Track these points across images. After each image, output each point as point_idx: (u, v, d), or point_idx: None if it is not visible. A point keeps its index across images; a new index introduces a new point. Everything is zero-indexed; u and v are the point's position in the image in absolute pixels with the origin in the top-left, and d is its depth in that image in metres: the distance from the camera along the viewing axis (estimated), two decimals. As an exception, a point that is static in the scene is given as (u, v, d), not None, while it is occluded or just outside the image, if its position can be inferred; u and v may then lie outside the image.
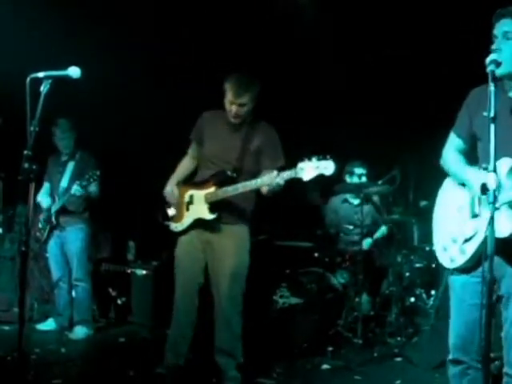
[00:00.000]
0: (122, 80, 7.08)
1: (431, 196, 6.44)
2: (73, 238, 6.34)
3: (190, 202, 4.65)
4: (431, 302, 6.25)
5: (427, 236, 6.79)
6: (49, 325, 6.50)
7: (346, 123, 7.67)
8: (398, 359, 5.56)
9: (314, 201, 7.18)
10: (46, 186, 6.50)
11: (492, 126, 2.70)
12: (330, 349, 5.73)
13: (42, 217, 6.37)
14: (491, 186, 2.66)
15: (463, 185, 3.24)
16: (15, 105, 3.60)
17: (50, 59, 3.85)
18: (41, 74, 3.38)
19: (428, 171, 6.64)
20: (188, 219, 4.64)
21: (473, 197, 3.12)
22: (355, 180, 6.72)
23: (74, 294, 6.41)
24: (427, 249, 6.59)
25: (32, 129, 3.36)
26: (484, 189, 2.73)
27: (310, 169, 4.02)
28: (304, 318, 5.95)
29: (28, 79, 3.33)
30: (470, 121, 3.27)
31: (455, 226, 3.19)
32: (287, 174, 4.15)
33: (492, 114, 2.71)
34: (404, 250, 6.52)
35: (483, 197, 2.94)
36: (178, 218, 4.72)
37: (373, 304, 6.46)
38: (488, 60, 2.90)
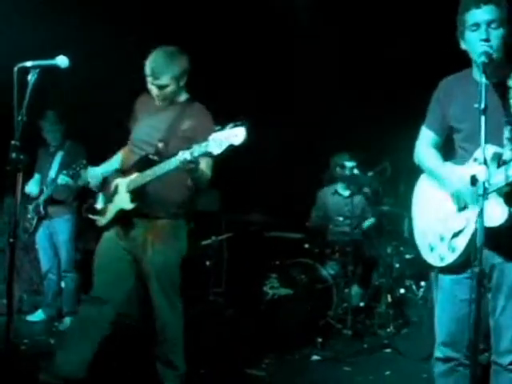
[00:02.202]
0: (112, 72, 7.04)
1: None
2: (61, 228, 6.34)
3: (115, 192, 4.12)
4: (421, 294, 6.25)
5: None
6: (38, 316, 6.50)
7: (337, 113, 7.67)
8: (388, 350, 5.59)
9: (314, 222, 7.11)
10: (36, 177, 6.48)
11: (483, 118, 2.68)
12: (320, 340, 5.74)
13: (30, 207, 6.34)
14: (481, 177, 2.64)
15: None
16: (2, 95, 3.56)
17: (39, 49, 3.80)
18: (28, 64, 3.33)
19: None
20: (111, 211, 4.12)
21: (454, 191, 3.07)
22: (347, 173, 6.72)
23: (62, 284, 6.42)
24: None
25: (19, 119, 3.33)
26: (474, 180, 2.70)
27: (220, 140, 3.46)
28: (294, 309, 5.96)
29: (15, 69, 3.29)
30: (444, 113, 3.23)
31: (440, 224, 3.14)
32: (196, 149, 3.57)
33: (483, 106, 2.69)
34: (394, 241, 6.51)
35: (467, 189, 2.92)
36: (102, 210, 4.20)
37: (363, 295, 6.47)
38: (479, 51, 2.88)
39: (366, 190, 6.89)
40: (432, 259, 3.18)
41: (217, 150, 3.48)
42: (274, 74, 7.75)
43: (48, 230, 6.36)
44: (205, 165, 3.89)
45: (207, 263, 7.24)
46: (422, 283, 6.32)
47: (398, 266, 6.43)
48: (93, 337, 4.05)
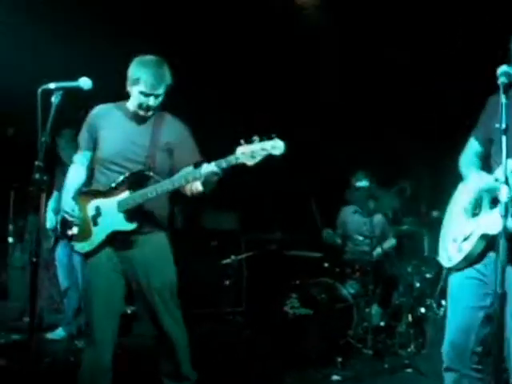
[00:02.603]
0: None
1: (444, 207, 6.47)
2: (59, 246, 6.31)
3: (98, 215, 3.89)
4: (442, 313, 6.22)
5: (438, 247, 6.79)
6: (58, 334, 6.49)
7: (359, 136, 7.70)
8: (409, 370, 5.53)
9: (329, 239, 7.09)
10: (55, 195, 6.45)
11: (504, 138, 2.69)
12: (340, 360, 5.70)
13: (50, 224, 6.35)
14: (503, 197, 2.65)
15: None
16: (27, 116, 3.61)
17: (63, 71, 3.86)
18: (52, 85, 3.39)
19: (442, 182, 6.69)
20: (99, 235, 3.87)
21: (474, 197, 3.15)
22: (360, 194, 6.70)
23: (82, 303, 6.42)
24: (438, 259, 6.55)
25: (43, 140, 3.38)
26: (495, 201, 2.72)
27: (254, 152, 3.50)
28: (314, 328, 5.93)
29: (39, 90, 3.34)
30: (489, 125, 3.23)
31: (457, 226, 3.24)
32: (226, 161, 3.57)
33: (504, 126, 2.70)
34: (414, 260, 6.49)
35: (484, 197, 3.01)
36: (82, 236, 3.93)
37: (383, 315, 6.43)
38: (500, 71, 2.89)
39: (385, 210, 6.85)
40: (443, 259, 3.30)
41: (251, 161, 3.52)
42: (293, 93, 7.79)
43: (67, 248, 6.30)
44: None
45: (227, 282, 7.27)
46: (443, 302, 6.28)
47: (418, 285, 6.40)
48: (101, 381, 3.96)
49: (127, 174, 3.85)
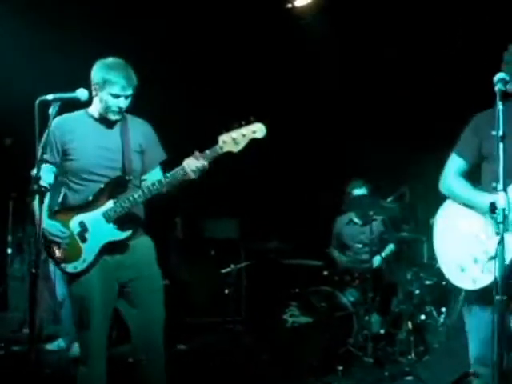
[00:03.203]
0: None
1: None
2: None
3: (84, 231, 3.71)
4: (442, 320, 6.22)
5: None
6: (57, 345, 6.44)
7: (355, 140, 7.70)
8: (409, 378, 5.51)
9: (332, 253, 7.11)
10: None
11: (501, 145, 2.70)
12: (341, 368, 5.69)
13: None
14: (500, 205, 2.66)
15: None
16: (25, 126, 3.61)
17: (61, 82, 3.87)
18: (49, 97, 3.40)
19: (439, 189, 6.70)
20: (91, 251, 3.70)
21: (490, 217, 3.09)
22: (356, 202, 6.70)
23: (63, 309, 6.30)
24: (437, 266, 6.53)
25: (41, 151, 3.38)
26: (493, 208, 2.72)
27: (235, 139, 3.52)
28: (314, 336, 5.92)
29: (37, 101, 3.35)
30: (480, 143, 3.27)
31: (473, 246, 3.17)
32: (210, 153, 3.57)
33: (501, 133, 2.71)
34: (413, 267, 6.49)
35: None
36: (72, 255, 3.72)
37: (383, 322, 6.42)
38: (496, 78, 2.91)
39: (383, 217, 6.85)
40: (462, 281, 3.21)
41: (236, 148, 3.54)
42: (288, 101, 7.80)
43: None
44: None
45: (226, 291, 7.26)
46: (443, 309, 6.28)
47: (418, 292, 6.39)
48: None
49: (104, 183, 3.73)
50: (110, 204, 3.69)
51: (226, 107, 7.16)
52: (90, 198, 3.73)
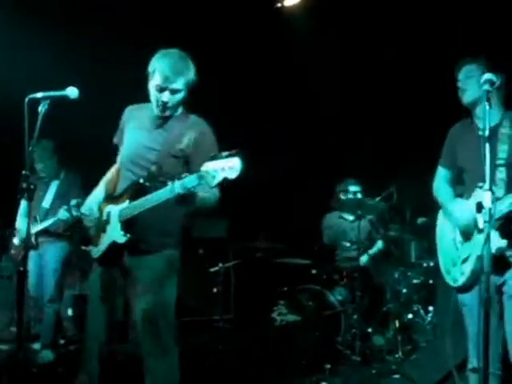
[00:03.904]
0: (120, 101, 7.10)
1: (429, 213, 6.50)
2: (51, 256, 6.09)
3: (107, 221, 3.66)
4: (429, 319, 6.26)
5: (424, 252, 6.84)
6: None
7: (344, 140, 7.72)
8: (397, 376, 5.54)
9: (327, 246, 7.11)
10: (24, 204, 5.82)
11: (487, 145, 2.74)
12: (328, 366, 5.70)
13: (18, 236, 6.09)
14: (487, 204, 2.70)
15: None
16: (14, 125, 3.60)
17: (49, 80, 3.86)
18: (39, 95, 3.39)
19: (426, 189, 6.72)
20: (103, 243, 3.67)
21: (460, 226, 3.49)
22: (351, 198, 6.74)
23: (44, 316, 6.11)
24: (424, 265, 6.61)
25: (30, 149, 3.38)
26: (479, 207, 2.80)
27: (214, 170, 3.10)
28: (302, 335, 5.94)
29: (26, 100, 3.35)
30: (456, 154, 3.65)
31: (452, 251, 3.55)
32: (188, 181, 3.20)
33: (487, 133, 2.76)
34: (401, 266, 6.52)
35: (469, 223, 3.36)
36: (96, 240, 3.73)
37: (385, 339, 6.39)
38: (483, 79, 2.94)
39: (371, 216, 6.89)
40: (449, 281, 3.59)
41: (212, 182, 3.12)
42: (278, 100, 7.80)
43: (38, 257, 6.06)
44: (204, 189, 3.35)
45: (215, 290, 7.26)
46: (430, 308, 6.32)
47: (405, 291, 6.43)
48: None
49: (128, 182, 3.64)
50: (125, 204, 3.56)
51: (214, 108, 7.17)
52: (120, 192, 3.68)
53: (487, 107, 2.81)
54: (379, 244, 6.91)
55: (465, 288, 3.45)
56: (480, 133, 3.24)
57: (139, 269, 3.57)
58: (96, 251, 3.71)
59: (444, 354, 5.03)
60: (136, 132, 3.71)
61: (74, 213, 5.45)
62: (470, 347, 3.51)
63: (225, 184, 3.14)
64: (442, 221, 3.76)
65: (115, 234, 3.57)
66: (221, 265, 7.22)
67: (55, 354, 6.05)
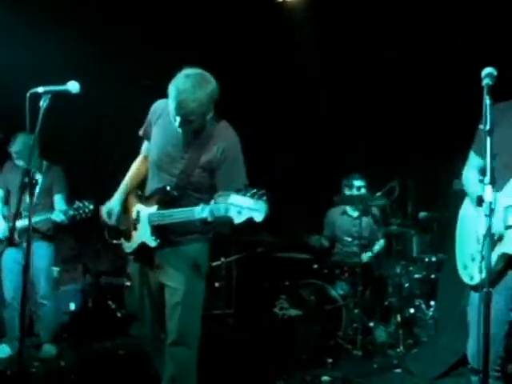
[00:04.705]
0: (121, 97, 7.13)
1: (431, 207, 6.50)
2: (41, 253, 5.79)
3: (137, 220, 3.79)
4: (430, 313, 6.26)
5: (426, 247, 6.84)
6: (2, 351, 5.87)
7: (345, 135, 7.72)
8: (398, 370, 5.55)
9: (315, 243, 7.03)
10: (0, 194, 5.97)
11: (488, 139, 2.73)
12: (330, 360, 5.71)
13: None
14: (487, 198, 2.69)
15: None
16: (16, 120, 3.62)
17: (50, 74, 3.87)
18: (40, 89, 3.40)
19: (427, 183, 6.73)
20: (134, 242, 3.81)
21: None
22: (354, 193, 6.74)
23: (40, 313, 5.97)
24: (426, 260, 6.62)
25: (31, 143, 3.39)
26: (480, 201, 2.76)
27: (240, 206, 3.15)
28: (303, 329, 5.95)
29: (27, 94, 3.35)
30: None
31: (473, 245, 3.32)
32: (216, 209, 3.30)
33: (488, 127, 2.75)
34: (403, 261, 6.53)
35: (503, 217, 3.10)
36: (128, 235, 3.86)
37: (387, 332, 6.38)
38: (484, 73, 2.93)
39: (375, 210, 6.91)
40: (465, 277, 3.39)
41: (237, 219, 3.18)
42: (278, 98, 7.81)
43: (20, 255, 5.66)
44: None
45: (216, 284, 7.27)
46: (432, 303, 6.33)
47: (407, 285, 6.44)
48: None
49: (156, 186, 3.72)
50: (154, 208, 3.67)
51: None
52: (149, 194, 3.79)
53: (488, 101, 2.80)
54: (381, 242, 6.91)
55: (479, 286, 3.20)
56: None
57: (169, 261, 3.71)
58: (128, 247, 3.88)
59: (445, 349, 5.06)
60: (164, 134, 3.73)
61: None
62: (471, 347, 3.40)
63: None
64: (465, 211, 3.52)
65: (146, 236, 3.71)
66: (223, 259, 7.23)
67: (58, 348, 6.01)
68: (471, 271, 3.33)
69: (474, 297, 3.35)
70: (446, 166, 6.36)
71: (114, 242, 3.97)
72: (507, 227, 3.05)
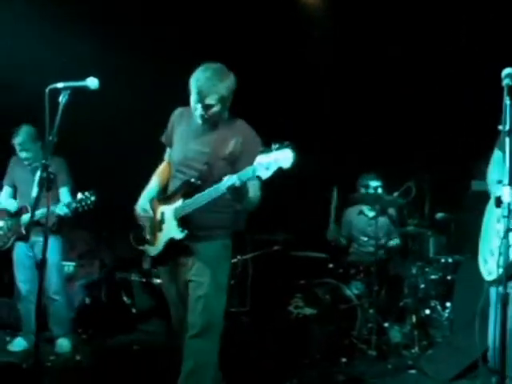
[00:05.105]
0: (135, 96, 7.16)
1: (448, 208, 6.46)
2: (51, 247, 5.34)
3: (162, 221, 3.93)
4: (446, 315, 6.23)
5: (443, 248, 6.81)
6: (19, 344, 5.93)
7: (361, 135, 7.70)
8: (413, 371, 5.53)
9: (331, 235, 7.04)
10: (8, 190, 5.99)
11: (507, 140, 2.71)
12: (344, 360, 5.71)
13: (5, 223, 5.83)
14: (505, 199, 2.67)
15: None
16: (35, 115, 3.65)
17: (69, 71, 3.90)
18: (59, 85, 3.44)
19: (444, 184, 6.70)
20: (161, 242, 3.93)
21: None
22: (372, 193, 6.73)
23: (52, 308, 5.90)
24: (442, 261, 6.58)
25: (50, 139, 3.42)
26: (498, 202, 2.74)
27: (267, 163, 3.25)
28: (318, 328, 5.94)
29: (47, 90, 3.38)
30: None
31: (493, 240, 3.29)
32: (244, 174, 3.39)
33: (508, 128, 2.73)
34: (419, 261, 6.50)
35: None
36: (153, 240, 4.01)
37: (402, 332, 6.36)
38: (504, 73, 2.91)
39: (391, 211, 6.89)
40: (484, 272, 3.36)
41: (265, 174, 3.28)
42: (292, 94, 7.79)
43: (32, 249, 5.71)
44: (252, 187, 3.64)
45: (232, 282, 7.27)
46: (448, 304, 6.30)
47: (423, 286, 6.41)
48: None
49: (182, 182, 3.85)
50: (179, 202, 3.78)
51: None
52: (172, 192, 3.92)
53: (508, 101, 2.78)
54: (397, 240, 6.89)
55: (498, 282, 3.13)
56: None
57: (194, 257, 3.82)
58: (153, 250, 3.99)
59: (460, 350, 5.03)
60: (185, 136, 3.92)
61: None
62: (493, 349, 3.32)
63: (279, 174, 3.27)
64: (490, 208, 3.46)
65: (172, 231, 3.81)
66: (239, 257, 7.24)
67: (72, 343, 6.02)
68: (490, 266, 3.30)
69: (493, 292, 3.31)
70: (463, 167, 6.35)
71: (140, 247, 4.09)
72: None
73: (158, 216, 3.95)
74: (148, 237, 4.03)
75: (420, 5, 6.64)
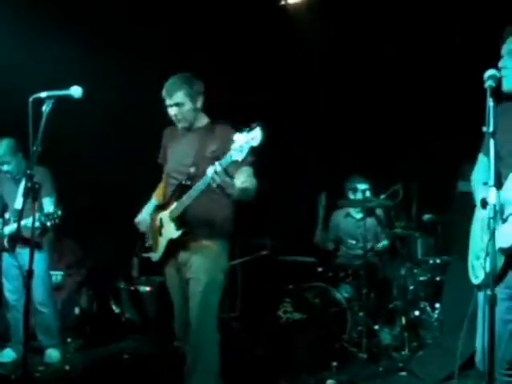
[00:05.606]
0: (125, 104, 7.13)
1: (435, 210, 6.47)
2: (36, 258, 5.53)
3: (161, 226, 4.22)
4: (435, 316, 6.24)
5: (431, 249, 6.82)
6: (7, 355, 5.90)
7: (347, 137, 7.70)
8: (403, 373, 5.53)
9: (321, 241, 7.04)
10: None
11: (491, 141, 2.72)
12: (335, 364, 5.68)
13: None
14: (491, 200, 2.67)
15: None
16: (18, 125, 3.62)
17: (54, 80, 3.88)
18: (43, 94, 3.42)
19: (431, 185, 6.71)
20: (162, 244, 4.21)
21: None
22: (359, 196, 6.75)
23: (39, 319, 5.87)
24: (431, 262, 6.60)
25: (34, 148, 3.39)
26: (484, 203, 2.75)
27: (240, 145, 3.51)
28: (308, 333, 5.93)
29: (30, 99, 3.36)
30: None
31: (478, 243, 3.27)
32: (223, 160, 3.63)
33: (491, 129, 2.73)
34: (407, 263, 6.51)
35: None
36: (155, 246, 4.31)
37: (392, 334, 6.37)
38: (486, 75, 2.92)
39: (379, 211, 6.90)
40: (472, 276, 3.34)
41: (240, 156, 3.52)
42: (282, 99, 7.79)
43: (16, 258, 5.52)
44: (244, 172, 3.94)
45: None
46: (437, 305, 6.31)
47: (412, 287, 6.42)
48: None
49: (174, 187, 4.15)
50: (174, 205, 4.08)
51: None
52: (168, 199, 4.23)
53: (491, 103, 2.79)
54: (385, 242, 6.89)
55: (484, 285, 3.12)
56: None
57: (193, 256, 4.07)
58: (156, 255, 4.28)
59: (451, 352, 5.03)
60: (172, 147, 4.30)
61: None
62: (480, 352, 3.25)
63: (253, 152, 3.57)
64: (477, 211, 3.43)
65: (171, 232, 4.09)
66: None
67: (61, 353, 5.99)
68: (476, 270, 3.29)
69: (481, 298, 3.27)
70: (450, 168, 6.35)
71: (144, 255, 4.41)
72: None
73: (158, 222, 4.24)
74: (151, 243, 4.33)
75: (414, 3, 6.65)
